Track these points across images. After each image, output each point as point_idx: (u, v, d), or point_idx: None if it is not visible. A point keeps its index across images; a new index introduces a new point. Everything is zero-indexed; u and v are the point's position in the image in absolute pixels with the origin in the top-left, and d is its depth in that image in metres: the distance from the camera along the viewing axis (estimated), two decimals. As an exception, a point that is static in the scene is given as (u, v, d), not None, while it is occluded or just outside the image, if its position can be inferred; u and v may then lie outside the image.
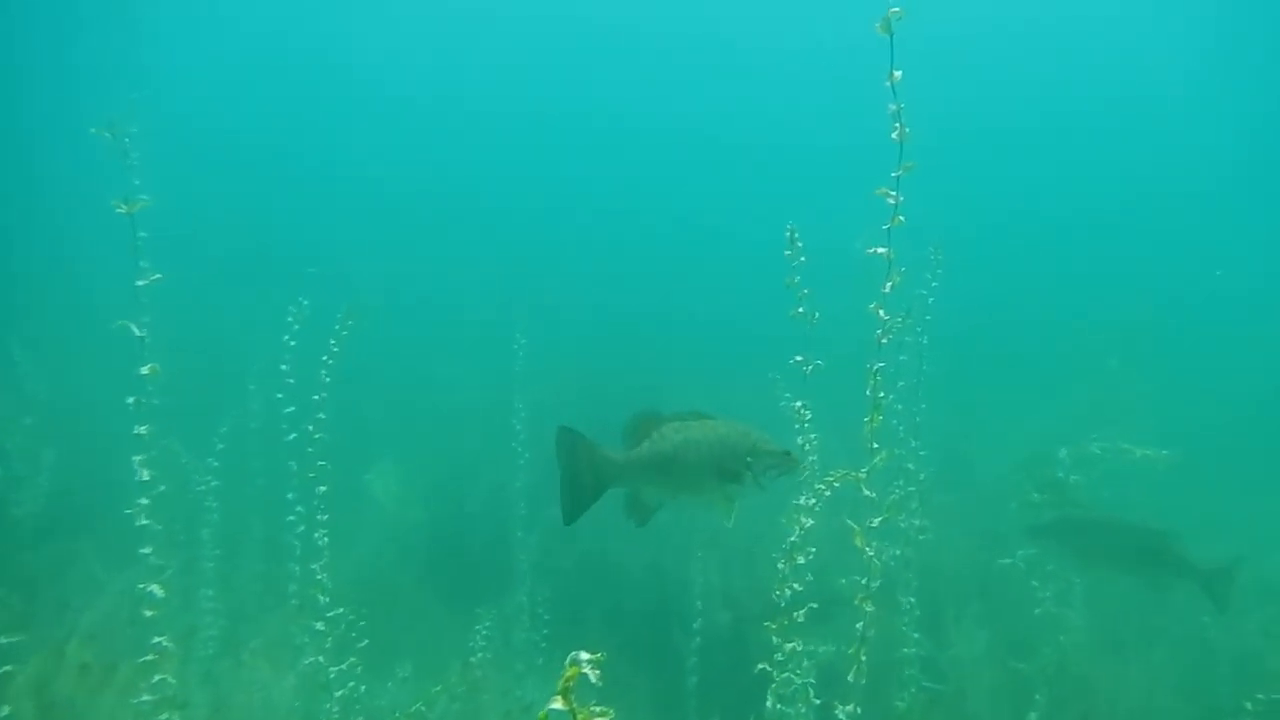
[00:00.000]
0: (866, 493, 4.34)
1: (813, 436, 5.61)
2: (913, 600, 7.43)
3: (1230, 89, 27.48)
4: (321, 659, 5.99)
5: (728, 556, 10.51)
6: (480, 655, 8.13)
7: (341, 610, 6.06)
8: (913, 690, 7.23)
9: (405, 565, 12.02)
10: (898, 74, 3.57)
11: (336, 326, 5.85)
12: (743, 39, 32.01)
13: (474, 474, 13.18)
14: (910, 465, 7.32)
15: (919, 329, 6.99)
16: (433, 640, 10.34)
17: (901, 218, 3.88)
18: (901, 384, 7.18)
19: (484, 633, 8.17)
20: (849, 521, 4.40)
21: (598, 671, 1.85)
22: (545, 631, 9.80)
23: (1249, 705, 4.81)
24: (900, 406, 7.22)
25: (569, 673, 1.86)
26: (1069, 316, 16.19)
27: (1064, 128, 30.20)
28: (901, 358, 7.16)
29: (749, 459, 4.17)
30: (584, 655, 1.89)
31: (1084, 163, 29.85)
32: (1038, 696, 7.26)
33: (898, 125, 3.70)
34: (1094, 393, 11.06)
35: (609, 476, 4.10)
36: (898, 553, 7.44)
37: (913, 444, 7.21)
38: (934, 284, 6.77)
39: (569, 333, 18.43)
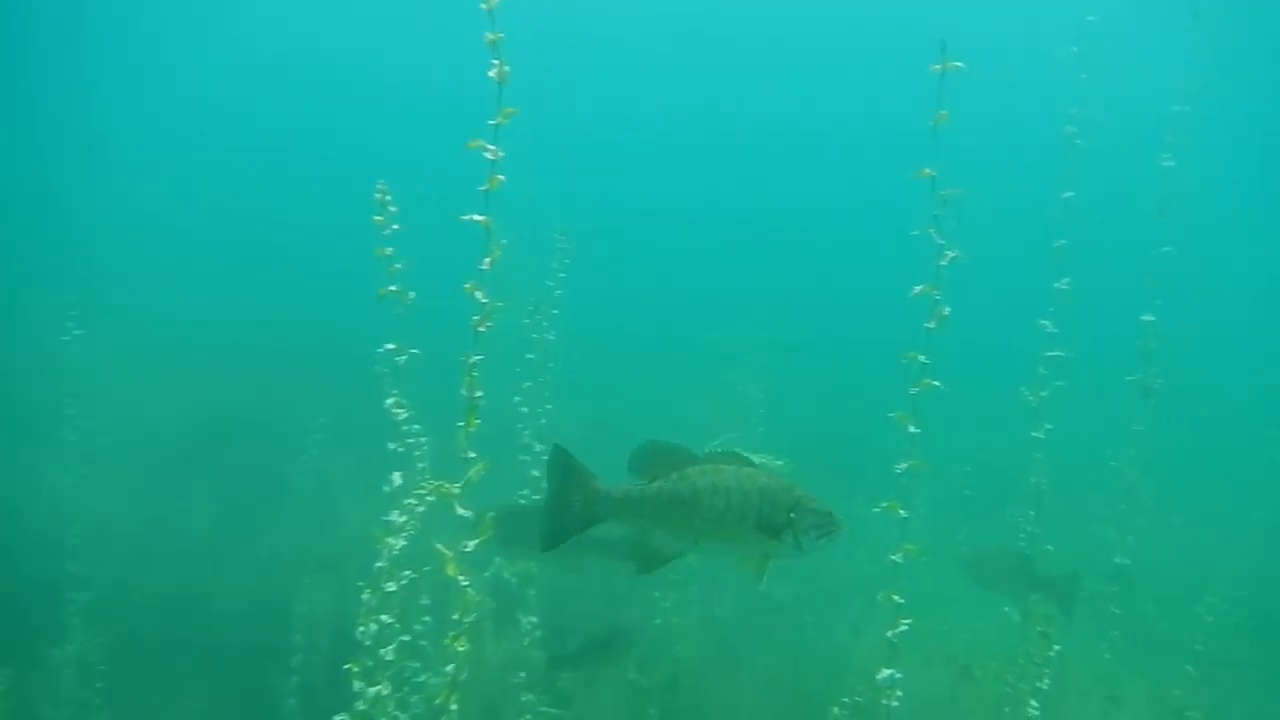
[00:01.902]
0: (461, 511, 3.65)
1: (415, 440, 4.87)
2: (534, 620, 6.93)
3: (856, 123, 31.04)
4: None
5: (343, 584, 9.35)
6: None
7: None
8: (528, 717, 6.72)
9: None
10: (496, -3, 2.93)
11: None
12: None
13: (27, 495, 10.67)
14: (536, 473, 6.83)
15: (546, 323, 6.51)
16: (-57, 711, 7.99)
17: (501, 177, 3.24)
18: (528, 384, 6.68)
19: (-4, 697, 6.34)
20: (439, 547, 3.68)
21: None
22: (100, 685, 8.02)
23: (836, 710, 4.85)
24: (526, 409, 6.71)
25: None
26: (702, 325, 17.00)
27: (724, 137, 32.20)
28: (529, 355, 6.66)
29: (791, 515, 3.69)
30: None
31: (734, 171, 32.09)
32: (652, 711, 7.10)
33: (496, 63, 3.06)
34: (719, 400, 11.49)
35: (601, 510, 3.70)
36: (520, 566, 6.91)
37: (538, 449, 6.71)
38: (562, 274, 6.32)
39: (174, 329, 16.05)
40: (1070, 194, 5.51)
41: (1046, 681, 4.98)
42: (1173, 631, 6.92)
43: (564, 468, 3.68)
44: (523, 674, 6.84)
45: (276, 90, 30.89)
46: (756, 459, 8.87)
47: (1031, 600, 7.11)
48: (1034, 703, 4.93)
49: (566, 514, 3.64)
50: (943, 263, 3.64)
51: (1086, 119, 5.26)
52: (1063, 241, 5.60)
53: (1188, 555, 8.40)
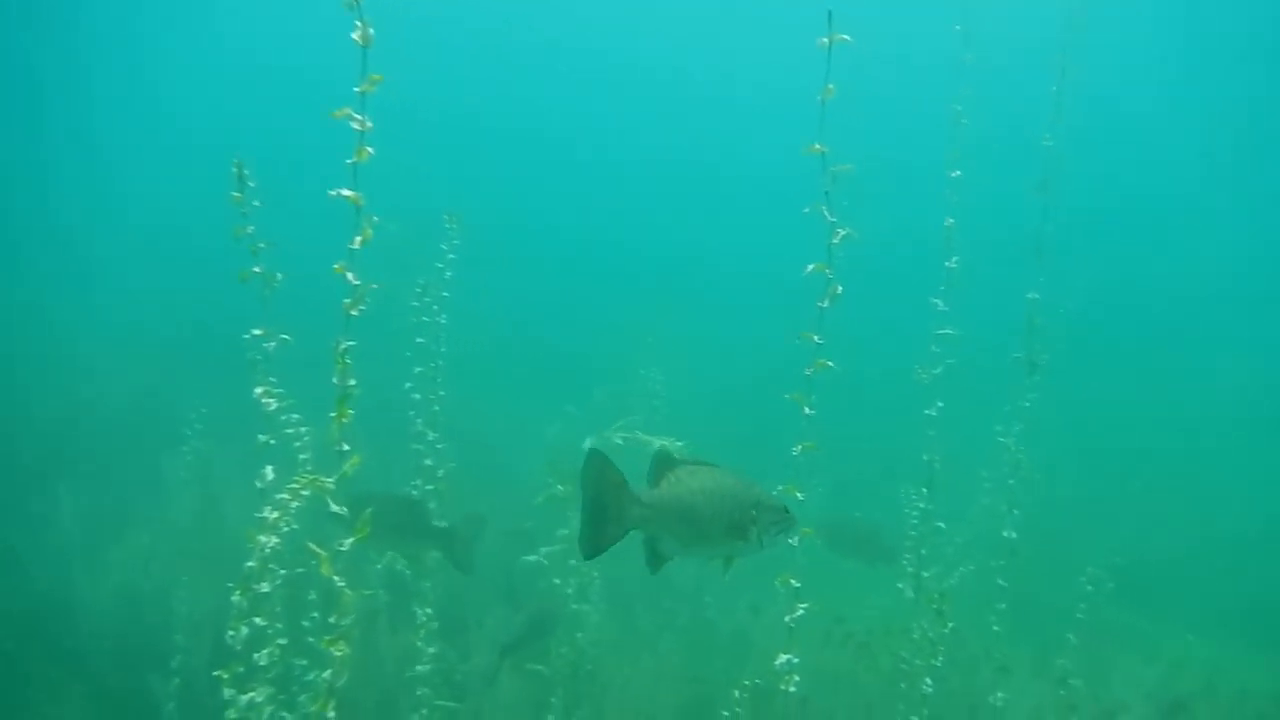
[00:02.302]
0: (334, 508, 3.42)
1: (294, 430, 4.58)
2: (429, 611, 6.70)
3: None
4: None
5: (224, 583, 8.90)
6: None
7: None
8: (424, 712, 6.51)
9: None
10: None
11: None
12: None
13: None
14: (429, 462, 6.59)
15: (436, 306, 6.25)
16: None
17: (370, 149, 3.01)
18: (419, 370, 6.41)
19: None
20: (311, 545, 3.44)
21: None
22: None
23: (737, 694, 4.81)
24: (418, 395, 6.45)
25: None
26: (602, 311, 16.86)
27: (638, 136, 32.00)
28: (419, 340, 6.39)
29: (753, 513, 3.84)
30: None
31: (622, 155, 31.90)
32: (554, 700, 6.97)
33: (360, 24, 2.82)
34: (621, 386, 11.40)
35: (633, 518, 3.62)
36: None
37: (430, 437, 6.46)
38: (451, 255, 6.07)
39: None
40: (958, 173, 5.54)
41: (940, 659, 5.07)
42: (1056, 601, 7.17)
43: (600, 474, 3.56)
44: (419, 667, 6.62)
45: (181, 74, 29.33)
46: (656, 442, 8.89)
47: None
48: (928, 680, 5.01)
49: (604, 522, 3.54)
50: (835, 241, 3.58)
51: (975, 98, 5.30)
52: (951, 221, 5.64)
53: (1071, 527, 8.76)
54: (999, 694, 5.91)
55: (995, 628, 5.87)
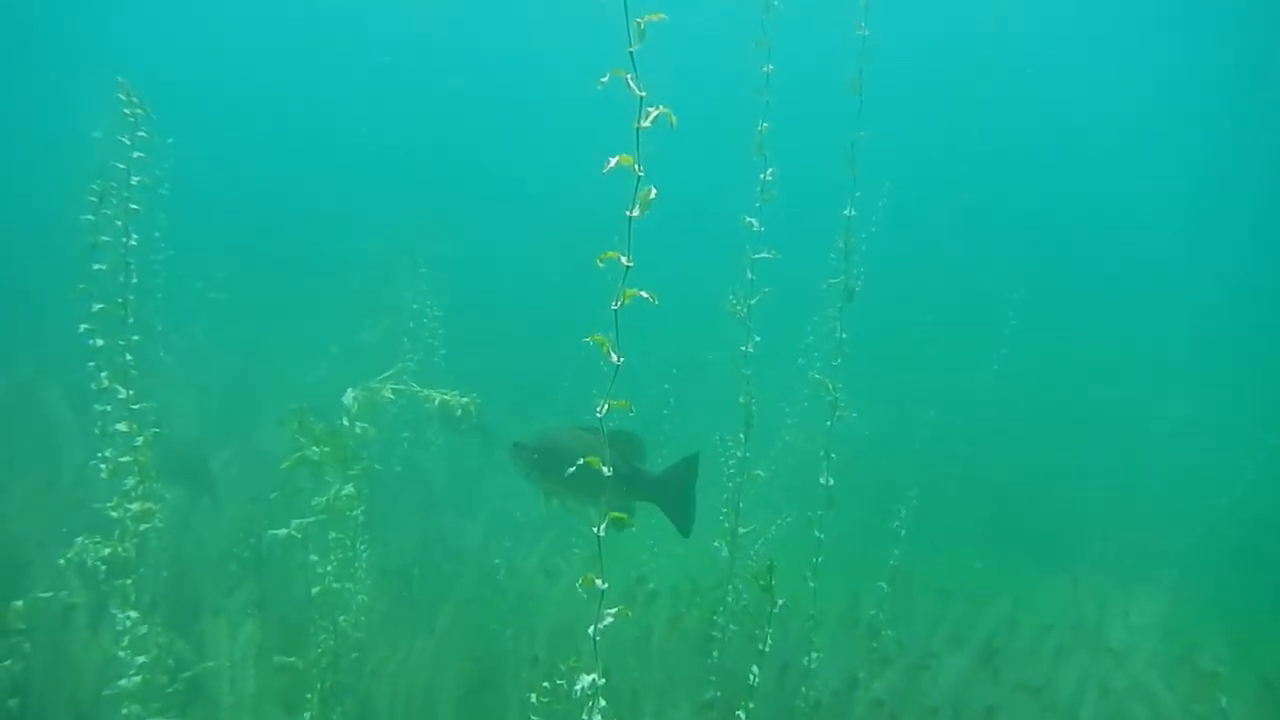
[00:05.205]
0: None
1: None
2: (133, 615, 5.29)
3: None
4: None
5: None
6: None
7: None
8: (133, 733, 5.17)
9: None
10: None
11: None
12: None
13: None
14: (122, 426, 5.10)
15: (120, 222, 4.68)
16: None
17: None
18: (99, 307, 4.86)
19: None
20: None
21: None
22: None
23: (534, 698, 3.92)
24: (100, 341, 4.91)
25: None
26: (372, 230, 14.99)
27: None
28: (97, 267, 4.84)
29: None
30: None
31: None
32: (309, 695, 5.84)
33: None
34: (389, 332, 10.01)
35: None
36: (107, 552, 5.19)
37: (122, 395, 4.96)
38: (137, 153, 4.52)
39: None
40: (770, 68, 4.70)
41: (768, 643, 4.42)
42: (872, 549, 6.80)
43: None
44: (122, 682, 5.24)
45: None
46: (438, 397, 7.66)
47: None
48: (755, 669, 4.35)
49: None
50: (644, 124, 2.60)
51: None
52: (766, 125, 4.82)
53: (885, 469, 8.49)
54: (813, 654, 5.40)
55: (811, 584, 5.30)
